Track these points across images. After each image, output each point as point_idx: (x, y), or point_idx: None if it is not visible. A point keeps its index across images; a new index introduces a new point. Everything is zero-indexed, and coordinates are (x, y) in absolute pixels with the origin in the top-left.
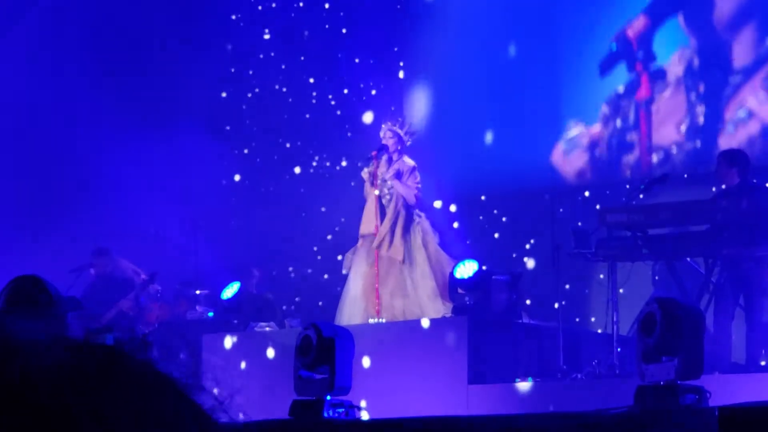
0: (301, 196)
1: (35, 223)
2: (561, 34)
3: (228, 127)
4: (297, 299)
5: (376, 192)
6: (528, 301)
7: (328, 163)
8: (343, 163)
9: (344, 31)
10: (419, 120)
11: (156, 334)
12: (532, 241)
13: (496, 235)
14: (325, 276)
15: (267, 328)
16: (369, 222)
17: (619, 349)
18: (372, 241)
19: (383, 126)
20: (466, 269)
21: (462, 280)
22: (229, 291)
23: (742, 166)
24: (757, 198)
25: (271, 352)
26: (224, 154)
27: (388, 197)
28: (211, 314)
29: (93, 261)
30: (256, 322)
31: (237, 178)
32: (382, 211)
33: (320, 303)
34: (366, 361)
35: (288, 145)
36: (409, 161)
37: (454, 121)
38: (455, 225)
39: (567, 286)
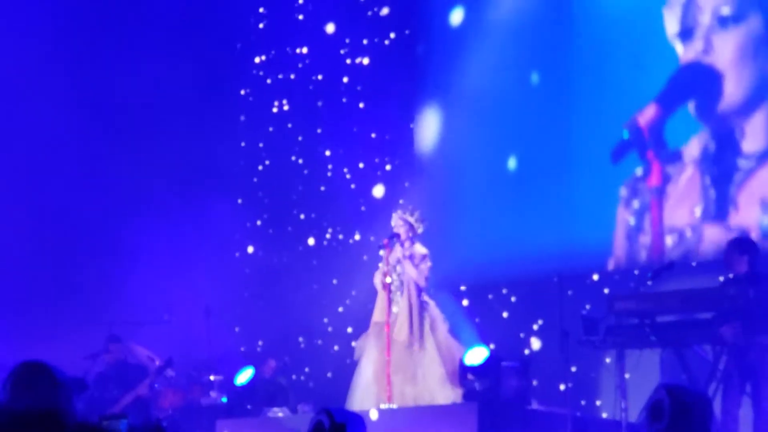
0: (313, 269)
1: (45, 304)
2: (574, 124)
3: (240, 200)
4: (306, 369)
5: (388, 280)
6: (535, 382)
7: (341, 236)
8: (357, 237)
9: (361, 105)
10: (431, 195)
11: (170, 419)
12: (540, 321)
13: (505, 314)
14: (336, 347)
15: (280, 414)
16: (381, 310)
17: None
18: (382, 328)
19: (394, 215)
20: (476, 355)
21: (472, 367)
22: (243, 376)
23: (751, 254)
24: (764, 286)
25: None
26: (237, 227)
27: (398, 283)
28: (224, 400)
29: (107, 347)
30: (270, 408)
31: (250, 249)
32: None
33: (329, 374)
34: None
35: (302, 217)
36: (421, 249)
37: (467, 202)
38: (465, 303)
39: (573, 369)
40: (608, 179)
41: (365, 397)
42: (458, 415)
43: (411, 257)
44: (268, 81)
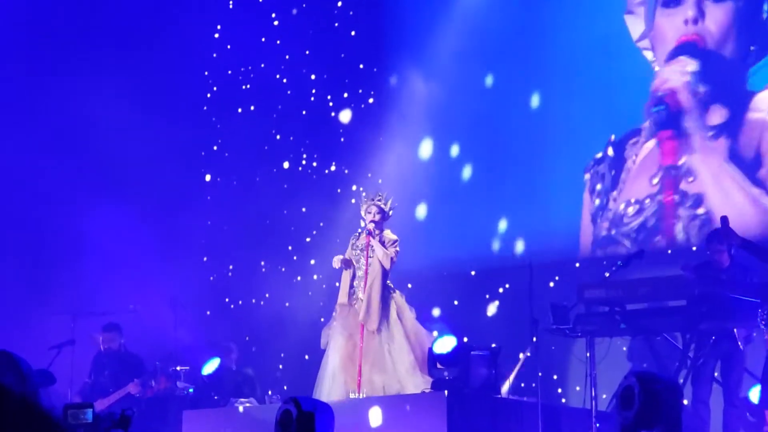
0: (285, 193)
1: (8, 294)
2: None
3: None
4: (282, 355)
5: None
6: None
7: (315, 164)
8: (332, 168)
9: (353, 33)
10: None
11: (137, 409)
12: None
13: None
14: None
15: (247, 404)
16: (345, 292)
17: (598, 425)
18: (348, 312)
19: (365, 200)
20: (445, 344)
21: (441, 356)
22: (210, 367)
23: (731, 244)
24: (733, 272)
25: (251, 428)
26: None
27: (363, 268)
28: (191, 390)
29: (102, 335)
30: (237, 398)
31: (208, 178)
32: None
33: (306, 356)
34: None
35: (278, 137)
36: (390, 234)
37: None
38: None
39: (556, 377)
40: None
41: (333, 386)
42: (427, 404)
43: (381, 243)
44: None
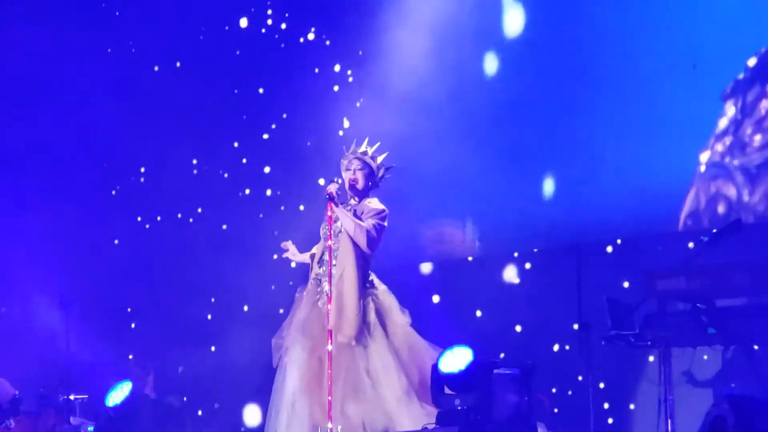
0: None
1: None
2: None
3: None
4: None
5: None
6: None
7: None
8: None
9: None
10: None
11: None
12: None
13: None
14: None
15: None
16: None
17: None
18: (310, 309)
19: (346, 155)
20: (456, 360)
21: (451, 376)
22: (117, 395)
23: None
24: None
25: None
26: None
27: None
28: (91, 430)
29: None
30: None
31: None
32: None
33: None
34: None
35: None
36: (376, 203)
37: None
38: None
39: (601, 385)
40: None
41: (292, 418)
42: None
43: (357, 214)
44: None
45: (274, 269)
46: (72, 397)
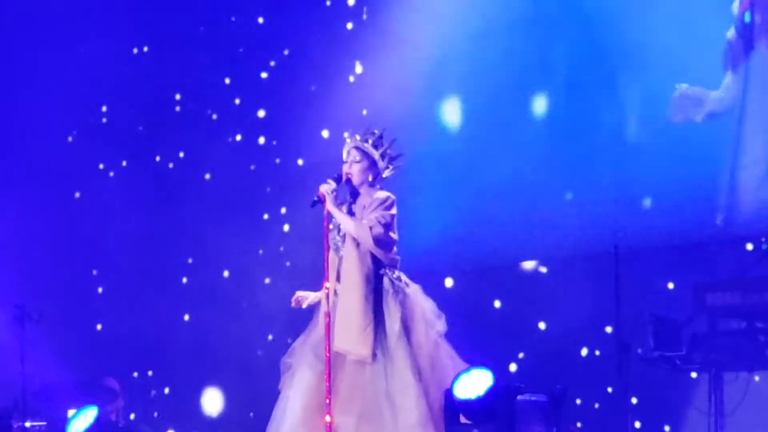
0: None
1: None
2: None
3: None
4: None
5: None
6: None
7: None
8: None
9: None
10: None
11: None
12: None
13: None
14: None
15: None
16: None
17: None
18: (315, 327)
19: (347, 142)
20: (474, 384)
21: (467, 403)
22: (81, 422)
23: None
24: None
25: None
26: None
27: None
28: None
29: None
30: None
31: None
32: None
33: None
34: None
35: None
36: (380, 192)
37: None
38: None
39: (634, 400)
40: None
41: None
42: None
43: (350, 212)
44: None
45: (262, 230)
46: (27, 423)
